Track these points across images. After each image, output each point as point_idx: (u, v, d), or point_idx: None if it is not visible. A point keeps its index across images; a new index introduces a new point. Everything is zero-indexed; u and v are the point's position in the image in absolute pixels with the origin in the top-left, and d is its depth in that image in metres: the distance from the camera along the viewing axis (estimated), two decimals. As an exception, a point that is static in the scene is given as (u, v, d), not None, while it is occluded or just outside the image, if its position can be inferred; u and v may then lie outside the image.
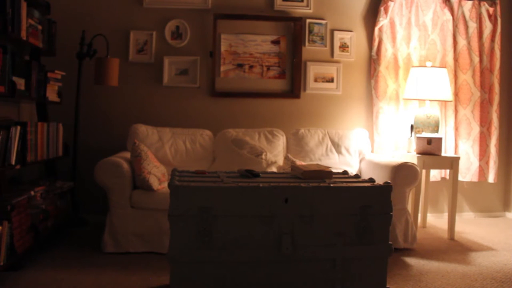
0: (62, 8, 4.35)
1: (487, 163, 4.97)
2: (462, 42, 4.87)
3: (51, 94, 3.86)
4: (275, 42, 4.71)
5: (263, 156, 4.02)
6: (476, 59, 4.90)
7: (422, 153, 4.29)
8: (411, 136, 4.49)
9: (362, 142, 4.51)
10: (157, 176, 3.67)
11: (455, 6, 4.86)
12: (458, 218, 4.70)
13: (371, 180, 2.72)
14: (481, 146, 4.94)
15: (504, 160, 5.14)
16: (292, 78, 4.73)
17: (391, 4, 4.71)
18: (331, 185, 2.55)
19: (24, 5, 3.24)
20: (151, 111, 4.56)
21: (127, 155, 3.88)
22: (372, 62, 4.81)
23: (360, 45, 4.86)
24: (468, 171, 4.95)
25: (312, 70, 4.76)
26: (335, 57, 4.79)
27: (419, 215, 4.54)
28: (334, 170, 3.08)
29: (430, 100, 4.55)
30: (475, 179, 4.96)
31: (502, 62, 4.99)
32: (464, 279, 3.17)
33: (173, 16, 4.57)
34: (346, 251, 2.48)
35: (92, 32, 4.24)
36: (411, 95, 4.55)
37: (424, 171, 4.64)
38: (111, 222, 3.53)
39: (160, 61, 4.55)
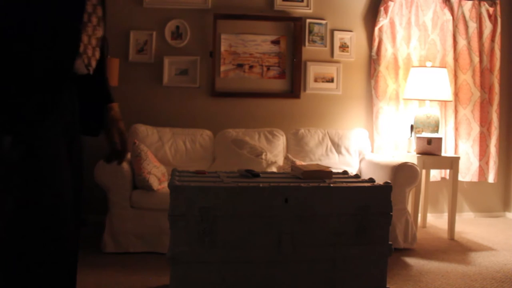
0: (62, 8, 4.34)
1: (487, 163, 4.97)
2: (462, 42, 4.87)
3: (51, 94, 3.85)
4: (275, 42, 4.70)
5: (263, 156, 4.01)
6: (476, 59, 4.90)
7: (422, 153, 4.29)
8: (411, 136, 4.49)
9: (362, 142, 4.51)
10: (157, 176, 3.67)
11: (455, 6, 4.86)
12: (458, 218, 4.70)
13: (371, 180, 2.72)
14: (481, 146, 4.93)
15: (504, 160, 5.14)
16: (292, 78, 4.73)
17: (391, 4, 4.71)
18: (331, 185, 2.54)
19: (24, 5, 3.24)
20: (151, 111, 4.56)
21: (127, 155, 3.87)
22: (372, 62, 4.81)
23: (360, 45, 4.86)
24: (468, 171, 4.95)
25: (312, 70, 4.75)
26: (335, 57, 4.79)
27: (419, 215, 4.54)
28: (334, 170, 3.08)
29: (430, 100, 4.55)
30: (475, 179, 4.95)
31: (502, 62, 4.99)
32: (464, 279, 3.17)
33: (173, 16, 4.56)
34: (346, 251, 2.48)
35: (92, 32, 4.24)
36: (411, 95, 4.55)
37: (424, 171, 4.63)
38: (111, 222, 3.53)
39: (160, 61, 4.54)
